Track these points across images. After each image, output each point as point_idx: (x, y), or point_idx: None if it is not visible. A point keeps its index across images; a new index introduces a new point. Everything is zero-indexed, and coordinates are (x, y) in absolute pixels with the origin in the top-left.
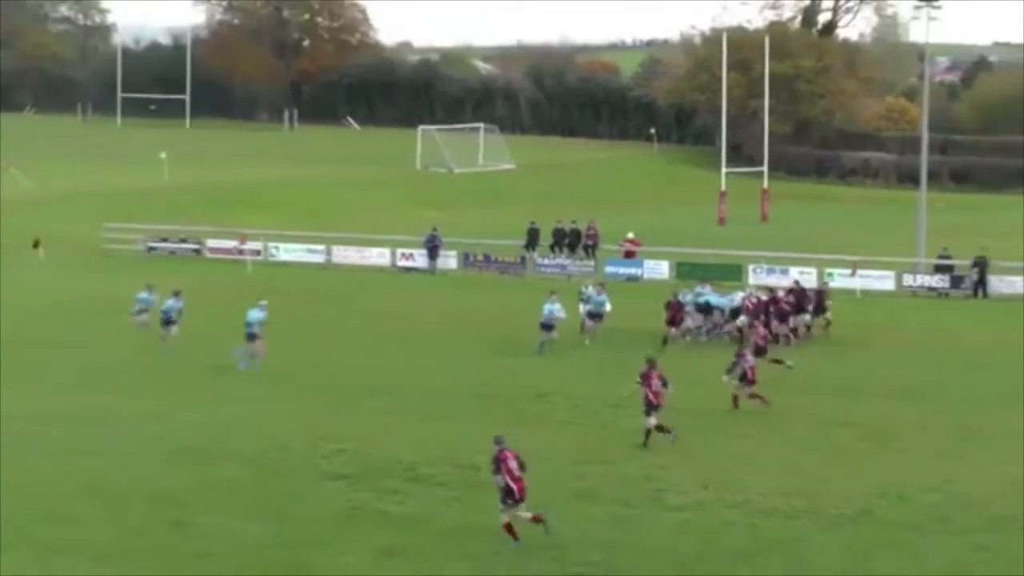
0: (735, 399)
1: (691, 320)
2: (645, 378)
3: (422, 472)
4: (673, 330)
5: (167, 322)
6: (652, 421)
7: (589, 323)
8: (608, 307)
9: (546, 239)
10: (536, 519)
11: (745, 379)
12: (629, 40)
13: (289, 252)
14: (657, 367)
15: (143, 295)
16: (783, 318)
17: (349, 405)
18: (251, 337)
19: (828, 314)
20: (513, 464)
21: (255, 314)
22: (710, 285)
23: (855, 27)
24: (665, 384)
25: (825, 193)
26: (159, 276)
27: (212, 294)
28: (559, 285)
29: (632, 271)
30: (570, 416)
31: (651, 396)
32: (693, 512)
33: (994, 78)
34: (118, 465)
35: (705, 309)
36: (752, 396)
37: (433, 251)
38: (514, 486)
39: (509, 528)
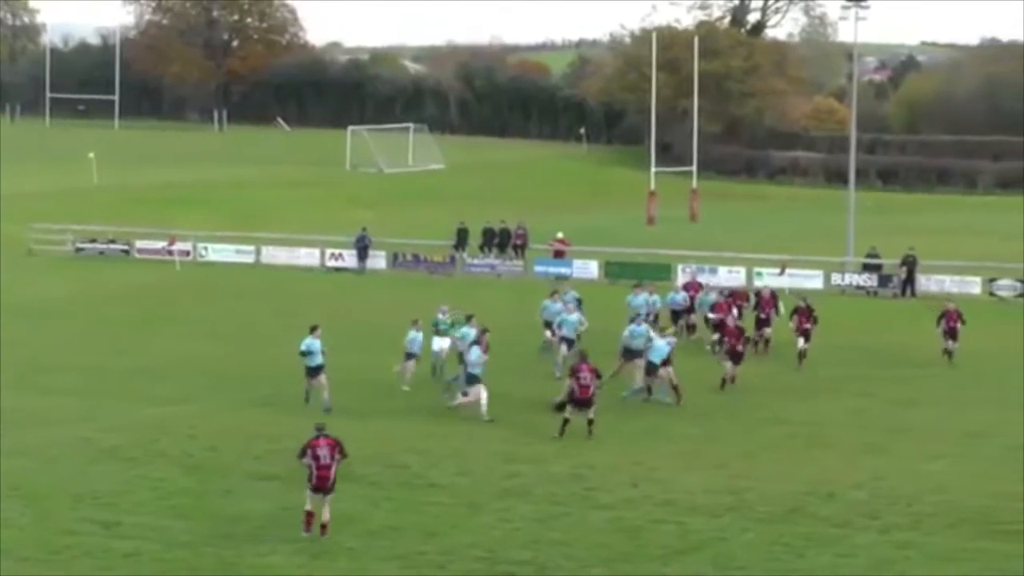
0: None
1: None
2: (574, 371)
3: (354, 471)
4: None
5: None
6: (571, 413)
7: (564, 349)
8: (585, 325)
9: (475, 239)
10: (324, 528)
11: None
12: (559, 40)
13: (218, 252)
14: (588, 360)
15: (414, 333)
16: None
17: (281, 404)
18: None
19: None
20: (323, 452)
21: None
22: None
23: (784, 27)
24: (598, 377)
25: (754, 192)
26: (87, 276)
27: (141, 294)
28: (488, 285)
29: (561, 271)
30: (502, 414)
31: (578, 390)
32: (622, 510)
33: (922, 78)
34: (46, 466)
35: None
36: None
37: (363, 251)
38: (316, 472)
39: (308, 516)
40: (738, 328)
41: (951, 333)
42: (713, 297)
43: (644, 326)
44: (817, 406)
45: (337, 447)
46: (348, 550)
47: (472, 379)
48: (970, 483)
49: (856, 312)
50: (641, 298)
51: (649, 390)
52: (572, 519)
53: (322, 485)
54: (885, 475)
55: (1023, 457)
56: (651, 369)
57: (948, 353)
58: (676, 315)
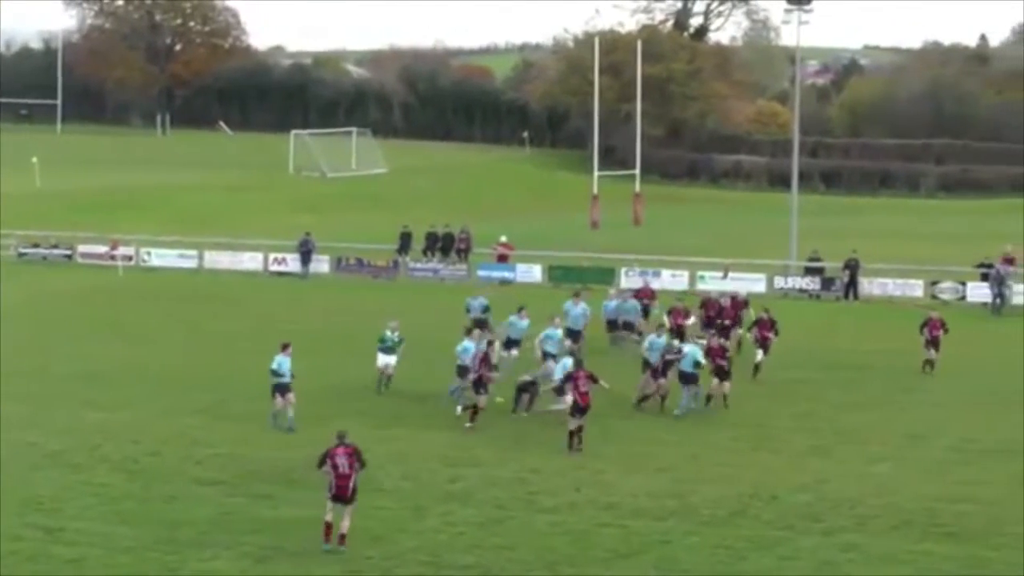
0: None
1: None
2: (572, 379)
3: (297, 476)
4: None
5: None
6: (575, 423)
7: (504, 353)
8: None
9: (419, 243)
10: (342, 539)
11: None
12: (502, 44)
13: (161, 257)
14: (583, 367)
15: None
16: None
17: (223, 409)
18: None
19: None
20: (341, 461)
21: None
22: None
23: (727, 31)
24: (595, 381)
25: (697, 196)
26: (30, 281)
27: (84, 299)
28: (432, 289)
29: (505, 275)
30: (446, 419)
31: (578, 398)
32: (565, 514)
33: (864, 81)
34: None
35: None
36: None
37: (306, 255)
38: (335, 481)
39: (327, 527)
40: (721, 347)
41: (933, 343)
42: (633, 303)
43: (663, 338)
44: (761, 409)
45: (356, 455)
46: (292, 555)
47: (560, 390)
48: (913, 485)
49: (799, 315)
50: (580, 308)
51: (663, 398)
52: (516, 523)
53: (342, 494)
54: (829, 478)
55: (964, 459)
56: (687, 379)
57: (929, 363)
58: (612, 324)
